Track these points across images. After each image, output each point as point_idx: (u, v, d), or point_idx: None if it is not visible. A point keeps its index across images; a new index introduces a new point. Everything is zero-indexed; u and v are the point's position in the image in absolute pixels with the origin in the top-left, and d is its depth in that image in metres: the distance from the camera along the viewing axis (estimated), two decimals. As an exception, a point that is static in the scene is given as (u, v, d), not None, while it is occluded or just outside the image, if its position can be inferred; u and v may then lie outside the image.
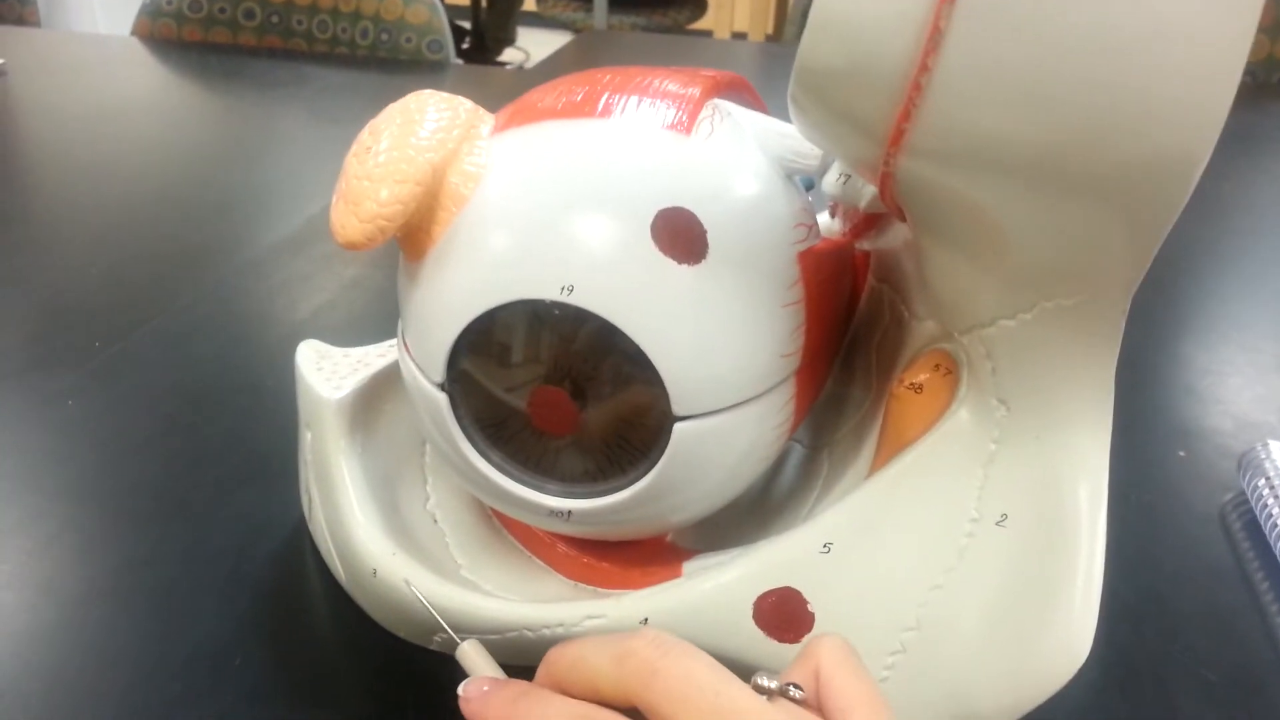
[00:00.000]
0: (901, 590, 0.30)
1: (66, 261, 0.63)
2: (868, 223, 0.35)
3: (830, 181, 0.31)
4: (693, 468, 0.30)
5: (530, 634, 0.32)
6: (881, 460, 0.32)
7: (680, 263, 0.28)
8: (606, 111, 0.30)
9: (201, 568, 0.38)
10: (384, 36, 1.14)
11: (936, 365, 0.31)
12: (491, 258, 0.29)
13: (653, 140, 0.29)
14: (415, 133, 0.29)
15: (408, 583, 0.33)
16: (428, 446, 0.39)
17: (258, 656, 0.35)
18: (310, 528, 0.39)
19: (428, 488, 0.38)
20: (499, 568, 0.36)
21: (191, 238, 0.67)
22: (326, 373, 0.38)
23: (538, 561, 0.37)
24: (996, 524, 0.30)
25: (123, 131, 0.87)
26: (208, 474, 0.44)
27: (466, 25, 2.49)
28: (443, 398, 0.30)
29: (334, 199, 0.29)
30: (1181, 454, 0.48)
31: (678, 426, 0.29)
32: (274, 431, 0.42)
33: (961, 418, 0.30)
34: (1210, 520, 0.44)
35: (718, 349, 0.29)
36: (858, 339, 0.38)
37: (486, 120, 0.31)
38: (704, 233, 0.28)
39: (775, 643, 0.31)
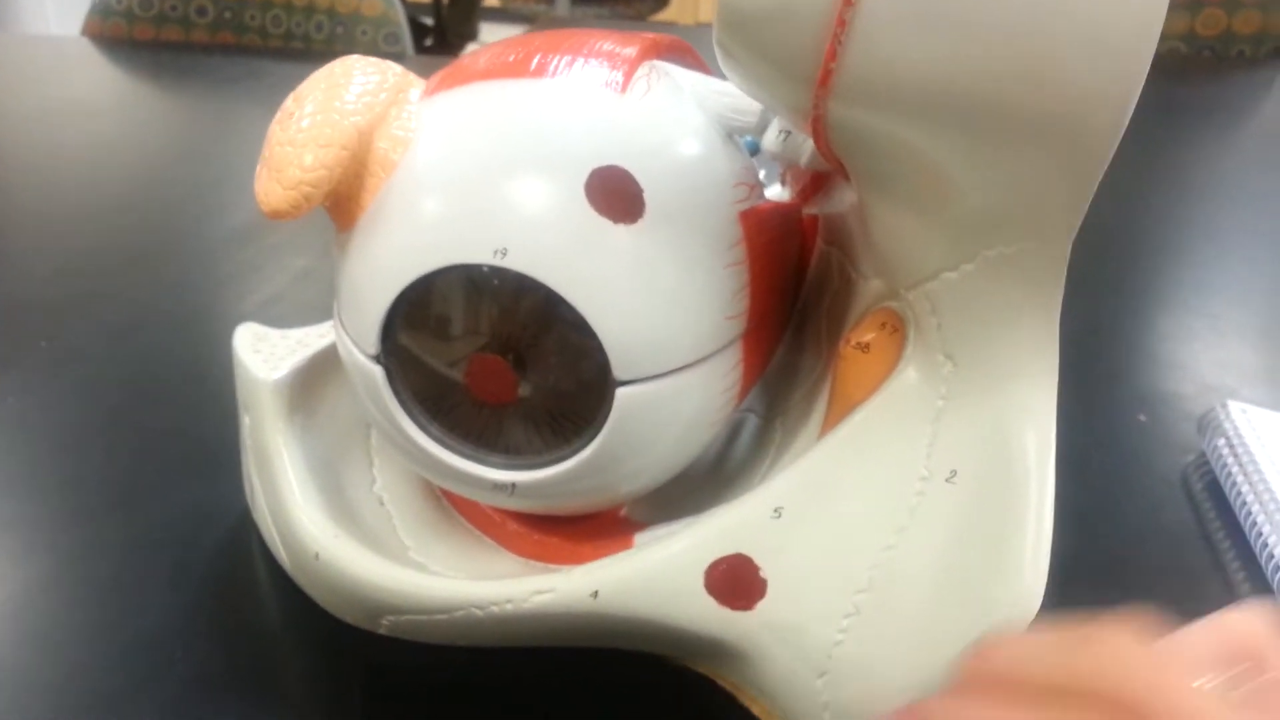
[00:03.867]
0: (854, 552, 0.30)
1: (13, 260, 0.62)
2: (814, 186, 0.35)
3: (770, 139, 0.30)
4: (638, 435, 0.30)
5: (479, 611, 0.32)
6: (831, 423, 0.32)
7: (616, 222, 0.27)
8: (540, 71, 0.29)
9: (145, 559, 0.37)
10: (339, 30, 1.12)
11: (883, 324, 0.30)
12: (422, 222, 0.28)
13: (586, 98, 0.29)
14: (340, 96, 0.28)
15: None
16: (373, 428, 0.38)
17: (202, 646, 0.34)
18: (254, 515, 0.38)
19: (374, 470, 0.37)
20: (448, 548, 0.36)
21: (142, 234, 0.66)
22: (264, 355, 0.37)
23: (488, 540, 0.36)
24: (946, 480, 0.29)
25: (74, 131, 0.85)
26: (152, 465, 0.43)
27: (429, 22, 2.48)
28: (378, 370, 0.30)
29: (258, 168, 0.29)
30: (1142, 418, 0.48)
31: (620, 391, 0.29)
32: (219, 421, 0.42)
33: (909, 375, 0.30)
34: (1172, 482, 0.44)
35: (658, 310, 0.28)
36: (808, 305, 0.37)
37: (417, 84, 0.31)
38: (640, 191, 0.28)
39: (728, 610, 0.31)
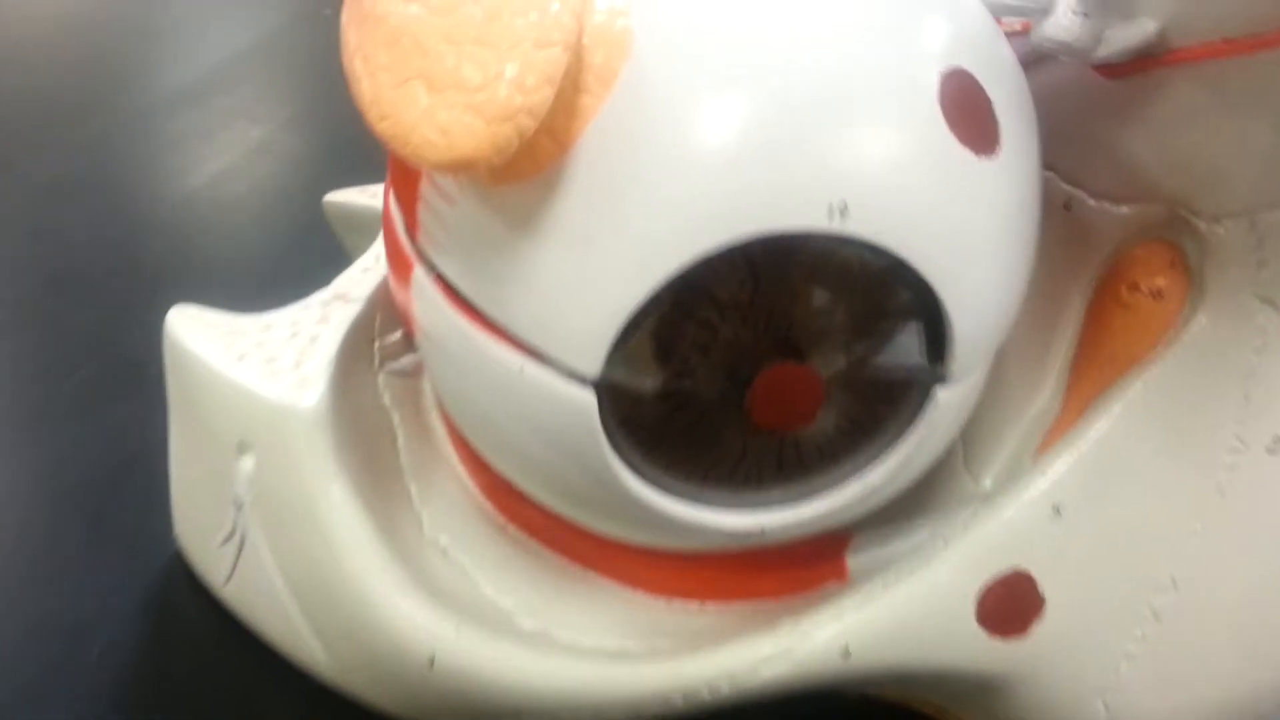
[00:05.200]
0: (1151, 546, 0.24)
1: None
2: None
3: (1059, 23, 0.22)
4: (931, 445, 0.22)
5: (680, 699, 0.23)
6: (1095, 388, 0.25)
7: (979, 154, 0.19)
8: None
9: (57, 505, 0.29)
10: None
11: (1172, 262, 0.24)
12: (694, 170, 0.17)
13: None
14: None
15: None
16: (401, 440, 0.26)
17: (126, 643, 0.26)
18: (236, 595, 0.25)
19: (415, 504, 0.26)
20: (559, 601, 0.26)
21: (67, 86, 0.54)
22: (246, 355, 0.24)
23: (605, 581, 0.26)
24: (1268, 451, 0.24)
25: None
26: (68, 380, 0.34)
27: None
28: (587, 399, 0.19)
29: (385, 87, 0.17)
30: None
31: (941, 394, 0.20)
32: (155, 329, 0.28)
33: (1202, 325, 0.24)
34: None
35: (1005, 279, 0.20)
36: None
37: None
38: (991, 105, 0.19)
39: (999, 641, 0.24)
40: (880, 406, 0.20)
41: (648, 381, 0.19)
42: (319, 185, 0.33)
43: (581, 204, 0.18)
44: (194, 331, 0.24)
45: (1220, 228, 0.23)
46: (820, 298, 0.19)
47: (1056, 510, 0.24)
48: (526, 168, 0.18)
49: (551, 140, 0.18)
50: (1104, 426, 0.24)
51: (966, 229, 0.19)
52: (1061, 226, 0.26)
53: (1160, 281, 0.24)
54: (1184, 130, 0.23)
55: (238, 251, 0.40)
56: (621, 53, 0.18)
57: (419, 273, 0.21)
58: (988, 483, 0.26)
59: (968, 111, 0.18)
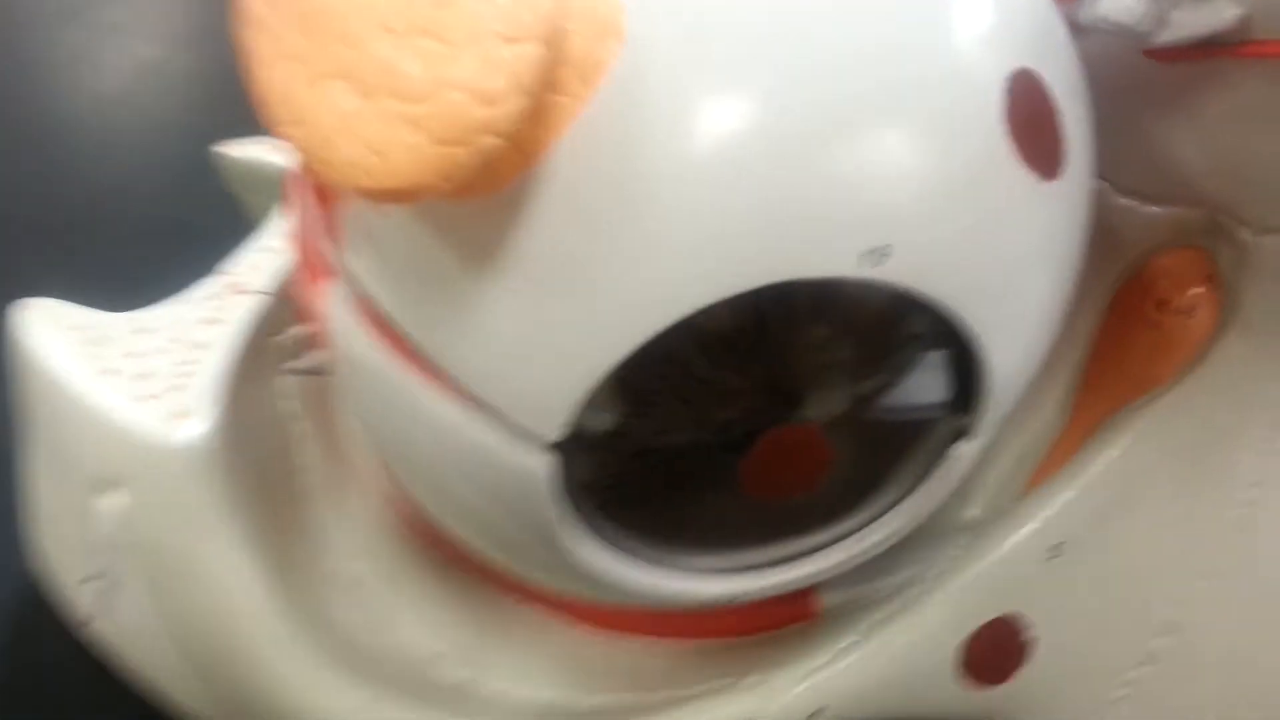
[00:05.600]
0: (1153, 586, 0.22)
1: None
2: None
3: (1120, 1, 0.19)
4: (944, 494, 0.19)
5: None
6: (1105, 410, 0.22)
7: (1045, 177, 0.15)
8: None
9: None
10: None
11: (1209, 276, 0.21)
12: (701, 198, 0.13)
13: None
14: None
15: None
16: (309, 456, 0.22)
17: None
18: (108, 636, 0.21)
19: (327, 530, 0.22)
20: (494, 642, 0.22)
21: None
22: (113, 370, 0.19)
23: (544, 615, 0.23)
24: (1292, 489, 0.22)
25: None
26: None
27: None
28: (543, 465, 0.15)
29: (297, 81, 0.12)
30: None
31: (962, 448, 0.17)
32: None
33: (1233, 348, 0.21)
34: None
35: (1047, 321, 0.17)
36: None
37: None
38: (1057, 115, 0.16)
39: (974, 690, 0.22)
40: (893, 467, 0.17)
41: (620, 444, 0.16)
42: (217, 117, 0.28)
43: (551, 233, 0.14)
44: (48, 337, 0.19)
45: (1268, 240, 0.20)
46: (836, 349, 0.16)
47: (1055, 550, 0.21)
48: (482, 183, 0.14)
49: (515, 149, 0.13)
50: (1113, 456, 0.22)
51: (1020, 268, 0.15)
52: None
53: (1194, 295, 0.21)
54: (1242, 131, 0.19)
55: (117, 197, 0.34)
56: (609, 41, 0.13)
57: (340, 288, 0.16)
58: (977, 511, 0.23)
59: (1034, 124, 0.15)
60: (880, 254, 0.14)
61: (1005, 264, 0.15)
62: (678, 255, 0.14)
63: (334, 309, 0.17)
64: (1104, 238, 0.23)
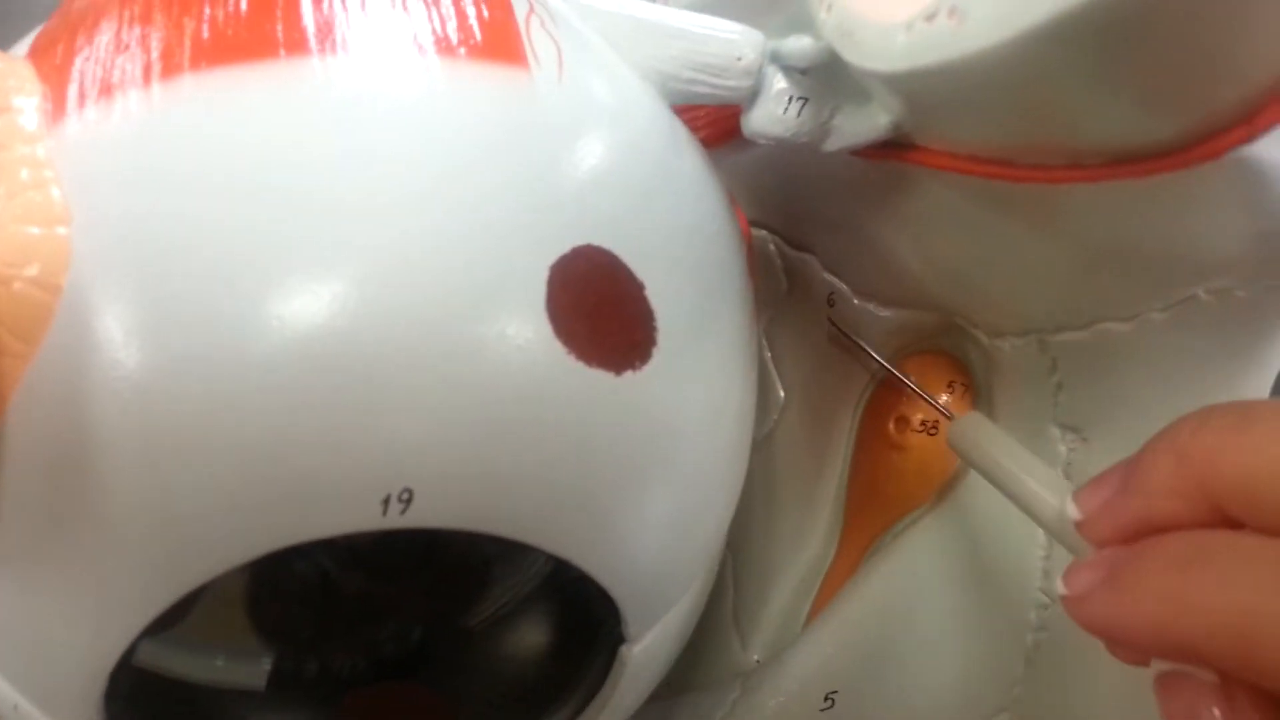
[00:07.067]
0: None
1: None
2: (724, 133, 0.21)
3: (771, 113, 0.16)
4: (635, 691, 0.16)
5: None
6: (863, 540, 0.20)
7: (619, 370, 0.13)
8: (326, 41, 0.13)
9: None
10: None
11: (950, 382, 0.19)
12: (179, 459, 0.11)
13: (470, 93, 0.13)
14: None
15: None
16: None
17: None
18: None
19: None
20: None
21: None
22: None
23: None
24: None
25: None
26: None
27: None
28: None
29: None
30: None
31: (632, 649, 0.15)
32: None
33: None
34: None
35: (681, 515, 0.15)
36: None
37: (24, 87, 0.13)
38: (642, 291, 0.13)
39: None
40: (551, 683, 0.15)
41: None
42: None
43: (14, 514, 0.12)
44: None
45: (1005, 344, 0.18)
46: (425, 586, 0.13)
47: (829, 700, 0.19)
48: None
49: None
50: (878, 590, 0.19)
51: (608, 475, 0.13)
52: (826, 329, 0.21)
53: (940, 407, 0.19)
54: (944, 235, 0.17)
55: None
56: (50, 286, 0.11)
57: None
58: (755, 655, 0.21)
59: (599, 312, 0.13)
60: (403, 500, 0.12)
61: (584, 472, 0.13)
62: (165, 531, 0.12)
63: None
64: (849, 346, 0.20)
